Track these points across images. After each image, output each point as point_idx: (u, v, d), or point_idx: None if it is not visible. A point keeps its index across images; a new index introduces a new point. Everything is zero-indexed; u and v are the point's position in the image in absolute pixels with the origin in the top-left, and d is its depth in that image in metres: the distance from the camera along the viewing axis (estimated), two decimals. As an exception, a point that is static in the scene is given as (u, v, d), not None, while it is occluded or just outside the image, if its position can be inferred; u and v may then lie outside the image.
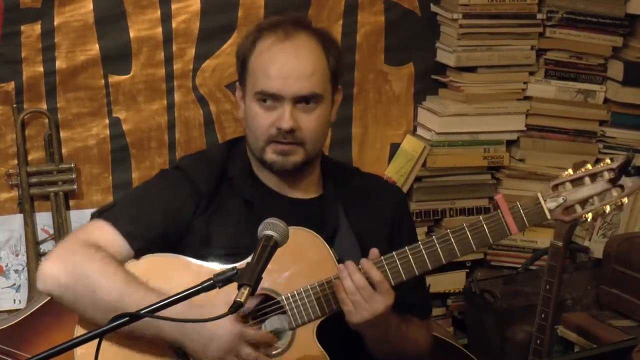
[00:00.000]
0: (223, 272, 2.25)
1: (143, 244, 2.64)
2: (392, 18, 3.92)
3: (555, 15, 3.95)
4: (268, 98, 2.60)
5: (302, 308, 2.57)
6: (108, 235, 2.63)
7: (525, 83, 4.02)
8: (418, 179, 3.98)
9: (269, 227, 2.38)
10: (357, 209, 2.76)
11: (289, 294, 2.57)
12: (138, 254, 2.64)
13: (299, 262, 2.59)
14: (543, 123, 4.04)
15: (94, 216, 2.71)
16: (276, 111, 2.61)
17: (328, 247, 2.61)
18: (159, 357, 2.59)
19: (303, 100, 2.61)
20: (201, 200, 2.68)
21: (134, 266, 2.62)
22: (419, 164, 3.94)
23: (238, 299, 2.21)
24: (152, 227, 2.64)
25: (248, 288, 2.23)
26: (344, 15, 3.87)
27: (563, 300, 3.72)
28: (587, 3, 3.96)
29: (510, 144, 4.06)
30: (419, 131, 4.02)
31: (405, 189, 3.93)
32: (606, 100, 4.04)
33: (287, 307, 2.57)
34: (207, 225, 2.67)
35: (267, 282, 2.55)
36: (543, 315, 3.32)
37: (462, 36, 3.90)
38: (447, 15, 3.91)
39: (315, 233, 2.61)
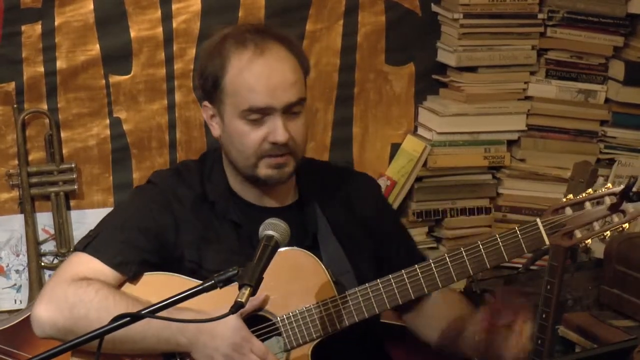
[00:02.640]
0: (224, 272, 2.25)
1: (136, 268, 2.61)
2: (393, 18, 3.92)
3: (556, 15, 3.95)
4: (255, 113, 2.56)
5: (297, 330, 2.56)
6: (96, 267, 2.59)
7: (526, 83, 4.02)
8: (419, 179, 3.97)
9: (270, 227, 2.38)
10: (333, 206, 2.74)
11: (284, 316, 2.56)
12: (133, 278, 2.62)
13: (295, 283, 2.58)
14: (544, 123, 4.04)
15: (77, 249, 2.66)
16: (265, 125, 2.57)
17: (325, 268, 2.59)
18: None
19: (290, 109, 2.59)
20: (181, 224, 2.65)
21: (129, 287, 2.61)
22: (420, 164, 3.94)
23: (239, 299, 2.21)
24: (140, 250, 2.61)
25: (249, 288, 2.24)
26: (344, 15, 3.86)
27: (564, 300, 3.72)
28: (588, 3, 3.95)
29: (511, 143, 4.05)
30: (420, 131, 4.02)
31: (406, 189, 3.93)
32: (607, 100, 4.04)
33: (283, 329, 2.56)
34: (197, 253, 2.64)
35: (261, 302, 2.56)
36: (544, 315, 3.31)
37: (462, 36, 3.90)
38: (447, 15, 3.91)
39: (312, 254, 2.59)
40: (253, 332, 2.55)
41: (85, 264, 2.60)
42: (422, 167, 3.95)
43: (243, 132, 2.59)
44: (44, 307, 2.56)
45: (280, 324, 2.56)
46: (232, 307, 2.21)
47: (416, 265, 2.56)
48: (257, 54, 2.57)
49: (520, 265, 3.99)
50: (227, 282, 2.26)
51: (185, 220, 2.65)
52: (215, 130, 2.67)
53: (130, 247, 2.60)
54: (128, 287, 2.61)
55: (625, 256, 3.62)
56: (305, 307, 2.55)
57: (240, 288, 2.24)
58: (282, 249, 2.49)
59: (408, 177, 3.93)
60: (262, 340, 2.56)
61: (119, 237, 2.62)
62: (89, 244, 2.63)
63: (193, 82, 3.72)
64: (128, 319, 2.16)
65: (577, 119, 4.03)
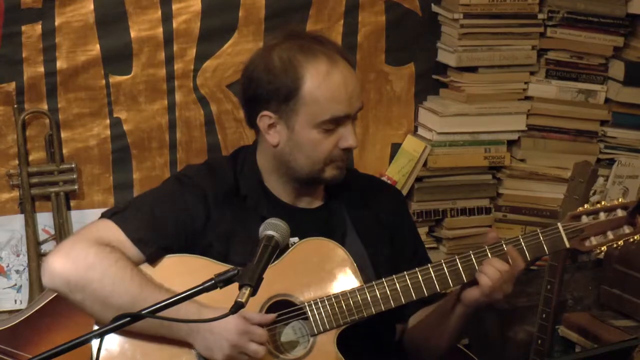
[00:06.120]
0: (224, 272, 2.27)
1: (154, 250, 2.64)
2: (393, 18, 3.92)
3: (556, 15, 3.95)
4: (332, 123, 2.63)
5: (324, 315, 2.59)
6: (119, 237, 2.63)
7: (526, 83, 4.02)
8: (419, 179, 3.97)
9: (270, 227, 2.40)
10: (359, 211, 2.79)
11: (311, 301, 2.60)
12: (149, 258, 2.65)
13: (323, 271, 2.64)
14: (544, 123, 4.04)
15: (104, 216, 2.69)
16: (336, 133, 2.64)
17: (352, 259, 2.65)
18: (180, 349, 2.61)
19: (356, 115, 2.69)
20: (212, 215, 2.68)
21: (147, 268, 2.64)
22: (420, 164, 3.94)
23: (239, 300, 2.23)
24: (164, 234, 2.65)
25: (249, 288, 2.25)
26: (344, 15, 3.87)
27: (564, 300, 3.73)
28: (588, 3, 3.96)
29: (511, 144, 4.06)
30: (420, 131, 4.02)
31: (406, 189, 3.93)
32: (607, 100, 4.05)
33: (310, 314, 2.60)
34: (225, 244, 2.68)
35: (289, 288, 2.62)
36: (544, 315, 3.32)
37: (462, 36, 3.90)
38: (448, 15, 3.91)
39: (340, 246, 2.66)
40: (280, 315, 2.60)
41: (109, 230, 2.63)
42: (422, 167, 3.95)
43: (316, 140, 2.65)
44: (60, 259, 2.59)
45: (308, 309, 2.60)
46: (232, 307, 2.23)
47: (442, 260, 2.63)
48: (331, 64, 2.64)
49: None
50: (227, 282, 2.27)
51: (216, 212, 2.69)
52: (274, 138, 2.69)
53: (153, 228, 2.64)
54: (147, 268, 2.64)
55: (626, 256, 3.62)
56: (333, 294, 2.61)
57: (240, 288, 2.26)
58: (312, 239, 2.61)
59: (408, 177, 3.94)
60: (288, 324, 2.61)
61: (146, 216, 2.66)
62: (117, 213, 2.67)
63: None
64: (128, 319, 2.16)
65: (577, 119, 4.04)
